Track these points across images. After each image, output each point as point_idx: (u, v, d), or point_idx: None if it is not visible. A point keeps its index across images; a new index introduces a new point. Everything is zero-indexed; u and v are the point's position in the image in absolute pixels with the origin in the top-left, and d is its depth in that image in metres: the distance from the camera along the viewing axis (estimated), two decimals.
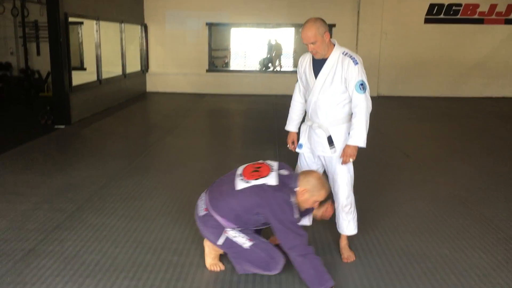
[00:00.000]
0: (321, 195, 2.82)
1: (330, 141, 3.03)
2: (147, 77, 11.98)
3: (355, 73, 2.92)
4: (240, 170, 2.92)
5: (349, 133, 3.01)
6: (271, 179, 2.76)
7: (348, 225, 3.16)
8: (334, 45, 3.01)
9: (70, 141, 6.75)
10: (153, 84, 12.00)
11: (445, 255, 3.23)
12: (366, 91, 2.95)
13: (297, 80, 3.26)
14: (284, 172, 2.87)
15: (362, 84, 2.92)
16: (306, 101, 3.17)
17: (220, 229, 2.79)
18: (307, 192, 2.77)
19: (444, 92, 11.66)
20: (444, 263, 3.12)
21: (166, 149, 6.28)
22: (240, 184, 2.78)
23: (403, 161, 5.84)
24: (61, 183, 4.61)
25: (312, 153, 3.18)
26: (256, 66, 13.87)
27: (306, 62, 3.14)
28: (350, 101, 3.00)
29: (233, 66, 14.84)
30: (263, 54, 13.68)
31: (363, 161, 5.69)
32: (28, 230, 3.50)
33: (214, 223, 2.81)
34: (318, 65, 3.03)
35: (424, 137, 7.36)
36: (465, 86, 11.69)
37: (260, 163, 2.91)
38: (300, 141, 3.22)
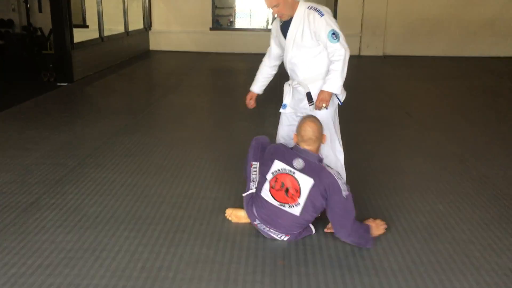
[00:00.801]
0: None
1: (309, 97, 3.01)
2: (150, 35, 11.88)
3: (323, 24, 2.88)
4: (274, 201, 2.75)
5: None
6: (305, 183, 2.69)
7: None
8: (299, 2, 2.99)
9: (73, 98, 6.78)
10: (156, 42, 11.91)
11: (439, 210, 3.29)
12: (340, 39, 2.88)
13: (270, 45, 3.28)
14: (299, 163, 2.74)
15: (334, 33, 2.86)
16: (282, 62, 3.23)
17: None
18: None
19: (451, 51, 11.49)
20: (437, 218, 3.17)
21: (168, 107, 6.30)
22: (296, 210, 2.70)
23: (404, 120, 5.84)
24: (64, 139, 4.67)
25: (295, 112, 3.19)
26: (261, 25, 13.67)
27: (276, 25, 3.15)
28: (327, 55, 2.96)
29: (238, 24, 14.64)
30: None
31: (364, 120, 5.75)
32: (31, 183, 3.58)
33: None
34: (286, 26, 3.02)
35: (428, 96, 7.32)
36: (473, 45, 11.50)
37: (280, 180, 2.75)
38: (284, 102, 3.20)
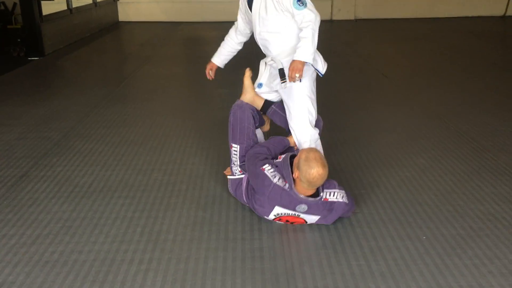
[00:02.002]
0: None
1: (281, 73, 2.80)
2: (119, 6, 11.58)
3: None
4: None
5: None
6: (312, 218, 2.56)
7: None
8: None
9: (46, 72, 6.63)
10: (125, 14, 11.63)
11: (422, 164, 3.41)
12: (308, 4, 2.69)
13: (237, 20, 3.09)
14: (303, 208, 2.53)
15: (299, 0, 2.67)
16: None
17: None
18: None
19: (422, 13, 11.60)
20: (421, 171, 3.30)
21: (145, 77, 6.23)
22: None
23: (381, 81, 5.94)
24: (43, 113, 4.60)
25: (269, 91, 2.99)
26: None
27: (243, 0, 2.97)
28: (296, 27, 2.76)
29: None
30: None
31: (343, 83, 5.82)
32: (17, 158, 3.54)
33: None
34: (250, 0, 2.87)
35: (403, 57, 7.43)
36: (442, 6, 11.63)
37: (284, 218, 2.60)
38: (259, 80, 2.98)
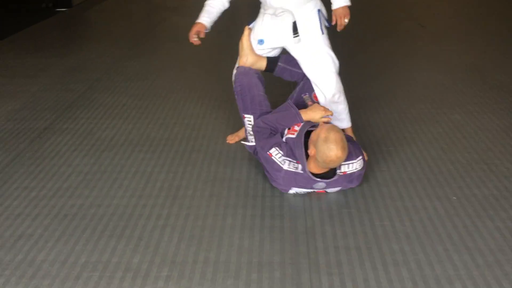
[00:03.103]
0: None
1: (294, 27, 2.58)
2: None
3: None
4: None
5: (318, 11, 2.62)
6: (333, 190, 2.43)
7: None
8: None
9: (73, 23, 6.58)
10: None
11: (456, 120, 3.23)
12: None
13: None
14: (321, 185, 2.39)
15: None
16: None
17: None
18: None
19: None
20: (455, 128, 3.13)
21: (172, 28, 6.10)
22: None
23: (418, 31, 5.63)
24: (69, 65, 4.57)
25: (273, 47, 2.73)
26: None
27: None
28: None
29: None
30: None
31: (374, 33, 5.55)
32: (41, 109, 3.54)
33: None
34: None
35: (441, 5, 7.02)
36: None
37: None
38: (260, 36, 2.68)
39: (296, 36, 2.61)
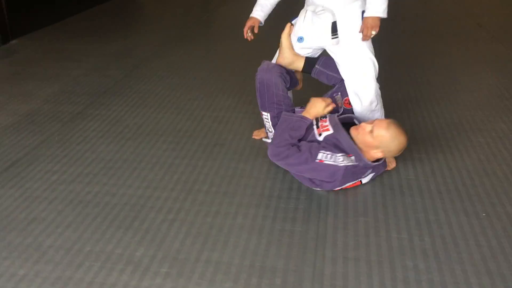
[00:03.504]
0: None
1: (333, 28, 2.44)
2: None
3: None
4: None
5: (363, 12, 2.44)
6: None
7: None
8: None
9: (126, 9, 6.70)
10: None
11: (501, 129, 3.01)
12: None
13: None
14: (368, 177, 2.43)
15: None
16: None
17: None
18: None
19: None
20: (497, 137, 2.91)
21: (224, 16, 6.10)
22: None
23: (474, 31, 5.32)
24: (113, 51, 4.66)
25: (311, 47, 2.60)
26: None
27: None
28: None
29: None
30: None
31: (428, 32, 5.29)
32: (78, 94, 3.61)
33: None
34: None
35: (503, 4, 6.60)
36: None
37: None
38: (299, 33, 2.54)
39: (335, 37, 2.47)
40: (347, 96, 2.55)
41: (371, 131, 2.27)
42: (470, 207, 2.26)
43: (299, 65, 2.61)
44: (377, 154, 2.29)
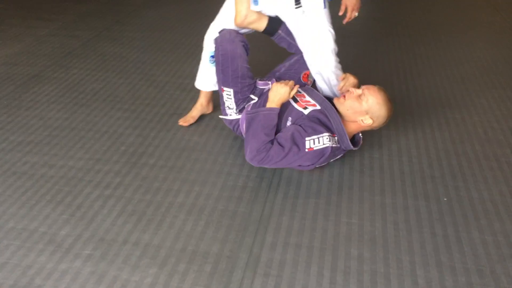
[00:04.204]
0: None
1: None
2: None
3: None
4: None
5: None
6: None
7: None
8: None
9: None
10: None
11: (481, 105, 2.81)
12: None
13: None
14: None
15: None
16: None
17: None
18: None
19: None
20: (476, 114, 2.71)
21: None
22: None
23: (491, 15, 5.04)
24: (84, 10, 4.42)
25: (267, 10, 2.33)
26: None
27: None
28: None
29: None
30: None
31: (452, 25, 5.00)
32: (39, 55, 3.42)
33: None
34: None
35: None
36: None
37: None
38: None
39: (299, 7, 2.24)
40: (305, 70, 2.36)
41: (360, 96, 2.11)
42: (432, 191, 2.10)
43: (261, 25, 2.34)
44: (366, 120, 2.12)
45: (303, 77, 2.40)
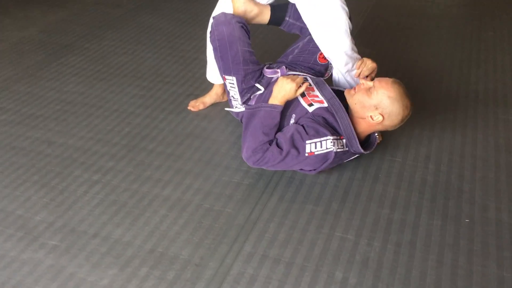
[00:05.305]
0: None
1: None
2: None
3: None
4: None
5: None
6: None
7: None
8: None
9: None
10: None
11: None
12: None
13: None
14: None
15: None
16: None
17: None
18: None
19: None
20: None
21: None
22: None
23: None
24: None
25: None
26: None
27: None
28: None
29: None
30: None
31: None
32: (78, 23, 3.40)
33: None
34: None
35: None
36: None
37: None
38: None
39: None
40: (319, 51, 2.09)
41: (370, 88, 1.83)
42: (454, 208, 1.80)
43: (264, 17, 2.09)
44: (376, 117, 1.81)
45: (319, 57, 2.13)
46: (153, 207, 1.80)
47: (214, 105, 2.44)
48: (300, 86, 1.87)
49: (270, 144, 1.81)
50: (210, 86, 2.54)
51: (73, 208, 1.79)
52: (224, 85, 2.15)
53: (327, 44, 2.02)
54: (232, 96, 2.14)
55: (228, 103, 2.25)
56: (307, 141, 1.78)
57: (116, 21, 3.43)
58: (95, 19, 3.48)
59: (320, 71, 2.19)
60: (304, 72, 2.13)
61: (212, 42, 2.04)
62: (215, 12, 2.20)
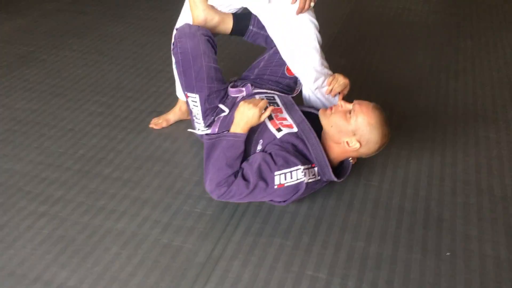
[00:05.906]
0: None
1: None
2: None
3: None
4: None
5: None
6: None
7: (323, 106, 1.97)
8: None
9: None
10: None
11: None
12: None
13: None
14: None
15: None
16: None
17: None
18: None
19: None
20: None
21: None
22: None
23: None
24: None
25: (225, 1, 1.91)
26: None
27: None
28: None
29: None
30: None
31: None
32: (37, 33, 3.19)
33: None
34: None
35: None
36: None
37: None
38: None
39: None
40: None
41: (349, 111, 1.67)
42: (434, 240, 1.66)
43: (226, 26, 1.94)
44: (352, 143, 1.67)
45: (287, 69, 1.97)
46: (104, 244, 1.62)
47: (178, 123, 2.27)
48: (264, 110, 1.70)
49: (235, 176, 1.64)
50: (175, 101, 2.37)
51: (13, 246, 1.60)
52: (187, 103, 1.97)
53: (294, 59, 1.87)
54: (195, 116, 1.96)
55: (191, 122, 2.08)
56: (276, 172, 1.62)
57: (79, 30, 3.24)
58: (56, 27, 3.27)
59: (289, 85, 2.03)
60: (271, 89, 1.97)
61: (174, 55, 1.87)
62: (179, 23, 2.03)
